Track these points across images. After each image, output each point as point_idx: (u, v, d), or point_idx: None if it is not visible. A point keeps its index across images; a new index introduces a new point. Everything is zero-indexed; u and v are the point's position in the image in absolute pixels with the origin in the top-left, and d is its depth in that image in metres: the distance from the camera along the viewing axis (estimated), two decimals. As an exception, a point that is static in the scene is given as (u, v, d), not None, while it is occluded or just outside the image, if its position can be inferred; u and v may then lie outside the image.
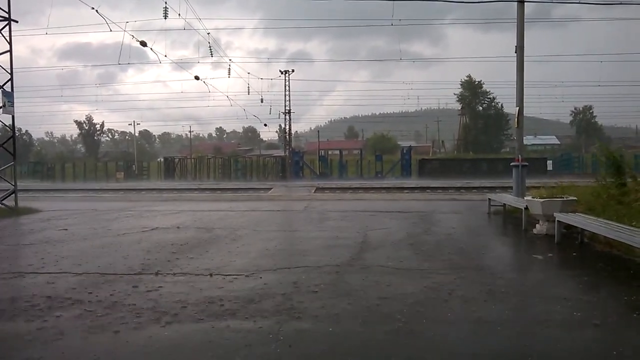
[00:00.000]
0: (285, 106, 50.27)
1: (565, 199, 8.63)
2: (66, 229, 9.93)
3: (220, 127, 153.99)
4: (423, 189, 27.16)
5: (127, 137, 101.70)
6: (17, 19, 14.35)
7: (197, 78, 27.29)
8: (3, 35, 14.04)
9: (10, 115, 14.24)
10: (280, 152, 59.28)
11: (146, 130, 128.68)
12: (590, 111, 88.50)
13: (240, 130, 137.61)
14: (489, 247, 8.00)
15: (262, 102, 43.18)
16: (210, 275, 5.86)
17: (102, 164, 59.48)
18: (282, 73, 49.57)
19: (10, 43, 14.12)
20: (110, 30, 17.08)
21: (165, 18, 19.02)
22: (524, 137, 14.15)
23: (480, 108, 79.79)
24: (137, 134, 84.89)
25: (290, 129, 52.18)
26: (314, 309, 4.49)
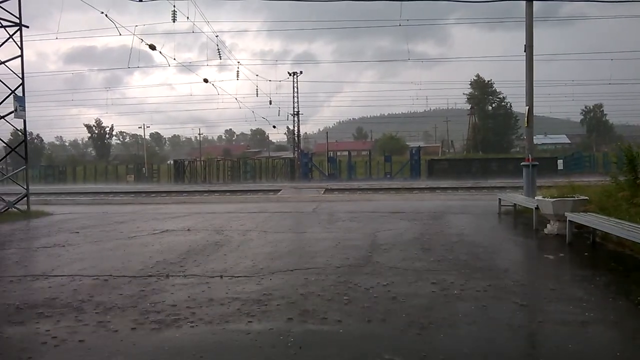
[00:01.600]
0: (293, 108, 50.45)
1: (576, 198, 8.56)
2: (77, 232, 10.02)
3: (230, 130, 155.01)
4: (432, 189, 27.09)
5: (138, 141, 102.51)
6: (27, 24, 14.54)
7: (206, 81, 27.46)
8: (14, 41, 14.22)
9: (22, 120, 14.40)
10: (289, 154, 59.38)
11: (157, 132, 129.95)
12: (601, 109, 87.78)
13: (249, 132, 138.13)
14: (499, 248, 7.95)
15: (270, 103, 43.42)
16: (221, 277, 5.88)
17: (113, 166, 60.01)
18: (290, 75, 49.76)
19: (21, 48, 14.30)
20: (120, 34, 17.29)
21: (174, 21, 19.18)
22: (534, 137, 14.07)
23: (490, 108, 79.36)
24: (148, 137, 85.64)
25: (299, 130, 52.38)
26: (324, 310, 4.49)
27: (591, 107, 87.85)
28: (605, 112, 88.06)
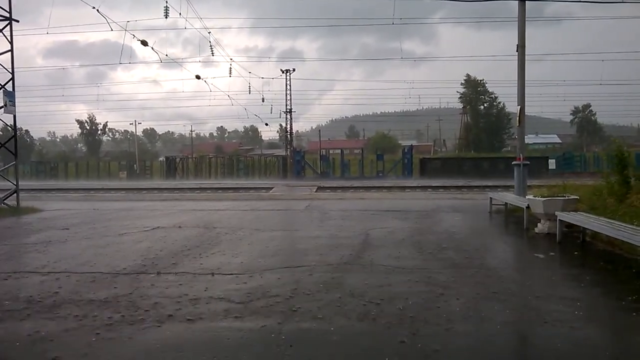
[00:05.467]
0: (286, 105, 50.29)
1: (566, 197, 8.61)
2: (68, 229, 9.94)
3: (222, 127, 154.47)
4: (424, 188, 27.16)
5: (128, 137, 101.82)
6: (17, 19, 14.37)
7: (198, 77, 27.26)
8: (4, 35, 14.05)
9: (12, 115, 14.25)
10: (281, 152, 59.24)
11: (153, 129, 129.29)
12: (589, 109, 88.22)
13: (242, 129, 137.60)
14: (490, 246, 7.99)
15: (263, 101, 43.24)
16: (212, 274, 5.86)
17: (104, 163, 59.65)
18: (283, 72, 49.60)
19: (11, 43, 14.13)
20: (111, 30, 17.17)
21: (166, 17, 19.08)
22: (526, 136, 14.13)
23: (482, 107, 79.61)
24: (140, 133, 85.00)
25: (291, 128, 52.25)
26: (316, 308, 4.49)
27: (580, 107, 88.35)
28: (593, 112, 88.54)
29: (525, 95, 12.75)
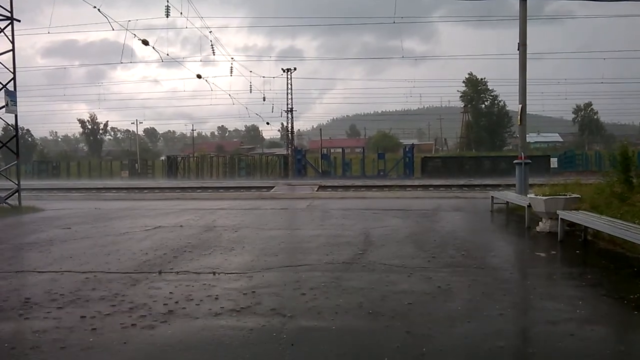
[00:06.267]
0: (287, 104, 50.29)
1: (568, 196, 8.60)
2: (69, 228, 9.95)
3: (223, 126, 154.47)
4: (425, 187, 27.15)
5: (130, 136, 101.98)
6: (19, 18, 14.39)
7: (199, 76, 27.30)
8: (5, 35, 14.06)
9: (13, 115, 14.27)
10: (282, 151, 59.26)
11: (153, 128, 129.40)
12: (591, 107, 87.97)
13: (243, 128, 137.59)
14: (492, 245, 7.98)
15: (264, 100, 43.24)
16: (213, 273, 5.86)
17: (106, 162, 59.74)
18: (284, 71, 49.62)
19: (12, 42, 14.15)
20: (112, 29, 17.23)
21: (167, 16, 19.10)
22: (527, 135, 14.12)
23: (483, 106, 79.50)
24: (142, 133, 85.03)
25: (292, 127, 52.28)
26: (317, 307, 4.49)
27: (582, 105, 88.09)
28: (595, 111, 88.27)
29: (527, 93, 12.74)
